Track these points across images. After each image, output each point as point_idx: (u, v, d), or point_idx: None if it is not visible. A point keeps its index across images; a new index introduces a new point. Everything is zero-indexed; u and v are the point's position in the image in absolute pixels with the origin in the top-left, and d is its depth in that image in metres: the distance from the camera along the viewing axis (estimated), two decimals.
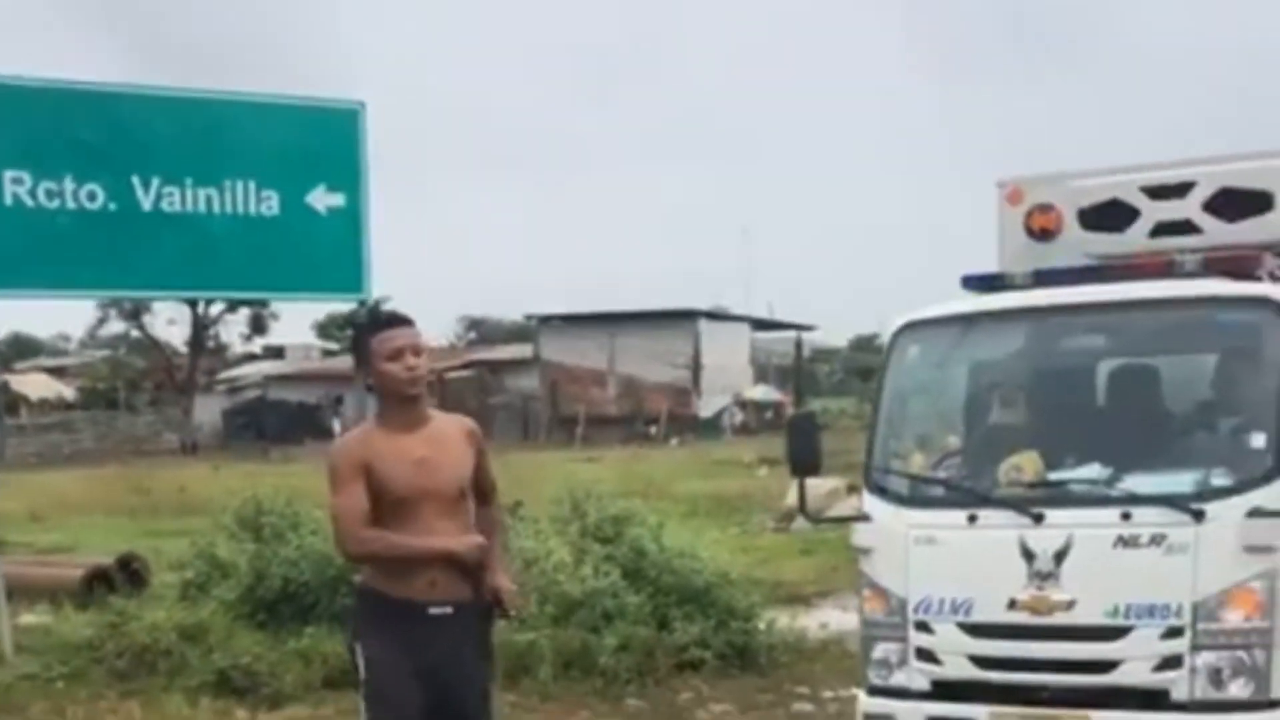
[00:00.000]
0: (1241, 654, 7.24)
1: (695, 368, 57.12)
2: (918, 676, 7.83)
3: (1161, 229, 8.91)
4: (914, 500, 8.05)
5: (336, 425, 55.63)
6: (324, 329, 71.45)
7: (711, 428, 54.82)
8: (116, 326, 73.16)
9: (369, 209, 12.87)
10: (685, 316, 56.91)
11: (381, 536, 5.89)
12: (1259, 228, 8.67)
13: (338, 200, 12.65)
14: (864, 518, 8.09)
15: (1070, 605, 7.45)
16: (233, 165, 12.37)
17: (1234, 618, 7.26)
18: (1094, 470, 7.73)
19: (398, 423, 6.00)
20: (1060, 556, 7.50)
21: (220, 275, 12.96)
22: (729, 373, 57.39)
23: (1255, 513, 7.19)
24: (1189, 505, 7.27)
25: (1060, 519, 7.51)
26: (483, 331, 74.12)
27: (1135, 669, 7.41)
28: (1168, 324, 8.06)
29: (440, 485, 5.96)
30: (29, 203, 11.80)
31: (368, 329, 6.17)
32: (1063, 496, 7.67)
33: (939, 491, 8.09)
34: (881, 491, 8.11)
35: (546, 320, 60.40)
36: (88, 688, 10.69)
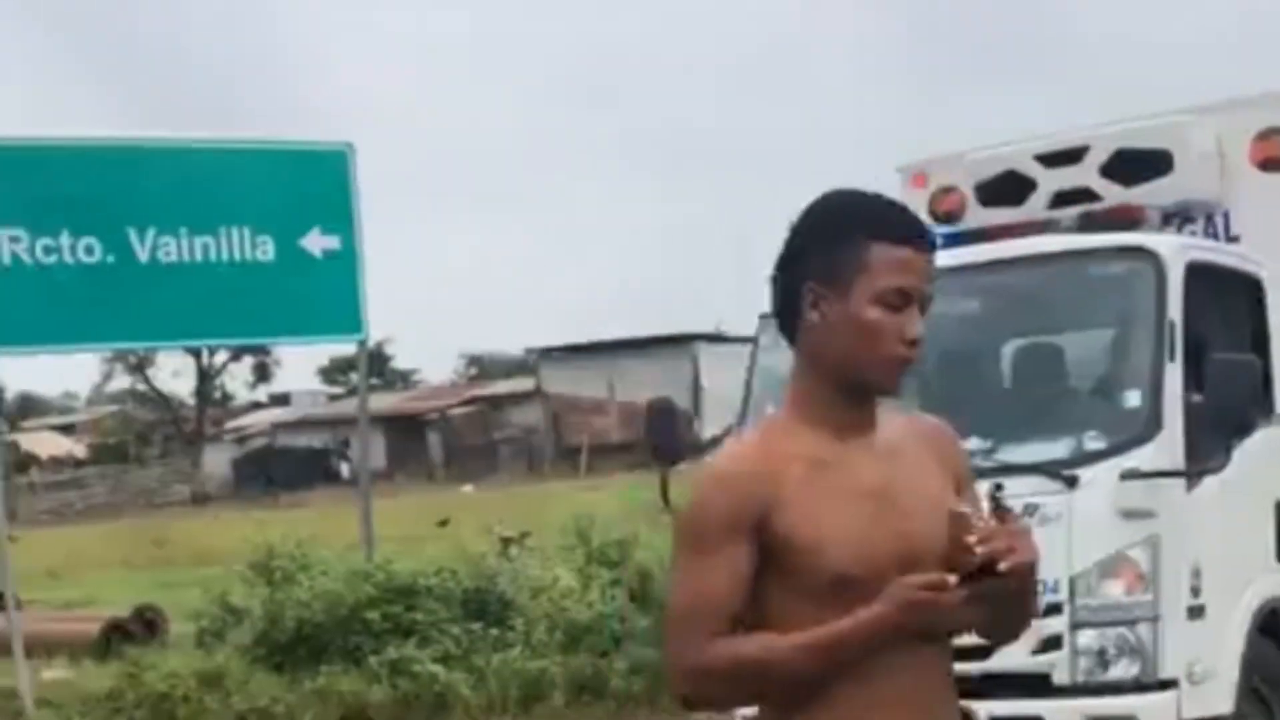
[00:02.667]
0: (1124, 631, 6.71)
1: (695, 392, 57.18)
2: None
3: (1060, 199, 8.41)
4: None
5: (345, 470, 55.77)
6: (328, 374, 71.54)
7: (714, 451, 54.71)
8: (122, 381, 73.28)
9: (363, 249, 12.92)
10: (683, 341, 56.98)
11: (758, 657, 3.02)
12: (1160, 190, 8.15)
13: (332, 242, 12.72)
14: None
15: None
16: (226, 212, 12.42)
17: (1114, 591, 6.74)
18: (970, 441, 7.04)
19: (836, 424, 3.13)
20: None
21: (219, 322, 13.06)
22: (731, 395, 57.30)
23: (1130, 475, 6.70)
24: (1060, 472, 6.79)
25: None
26: (483, 366, 74.18)
27: (1013, 652, 6.56)
28: (1038, 281, 7.59)
29: (916, 549, 3.03)
30: (27, 260, 11.88)
31: (855, 218, 3.11)
32: None
33: None
34: None
35: (547, 352, 60.46)
36: None
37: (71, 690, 12.06)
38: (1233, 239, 8.15)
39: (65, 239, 11.86)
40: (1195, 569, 6.83)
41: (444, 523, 20.79)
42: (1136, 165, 8.18)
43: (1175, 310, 6.93)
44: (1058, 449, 6.99)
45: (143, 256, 12.13)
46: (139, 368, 69.11)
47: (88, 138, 12.93)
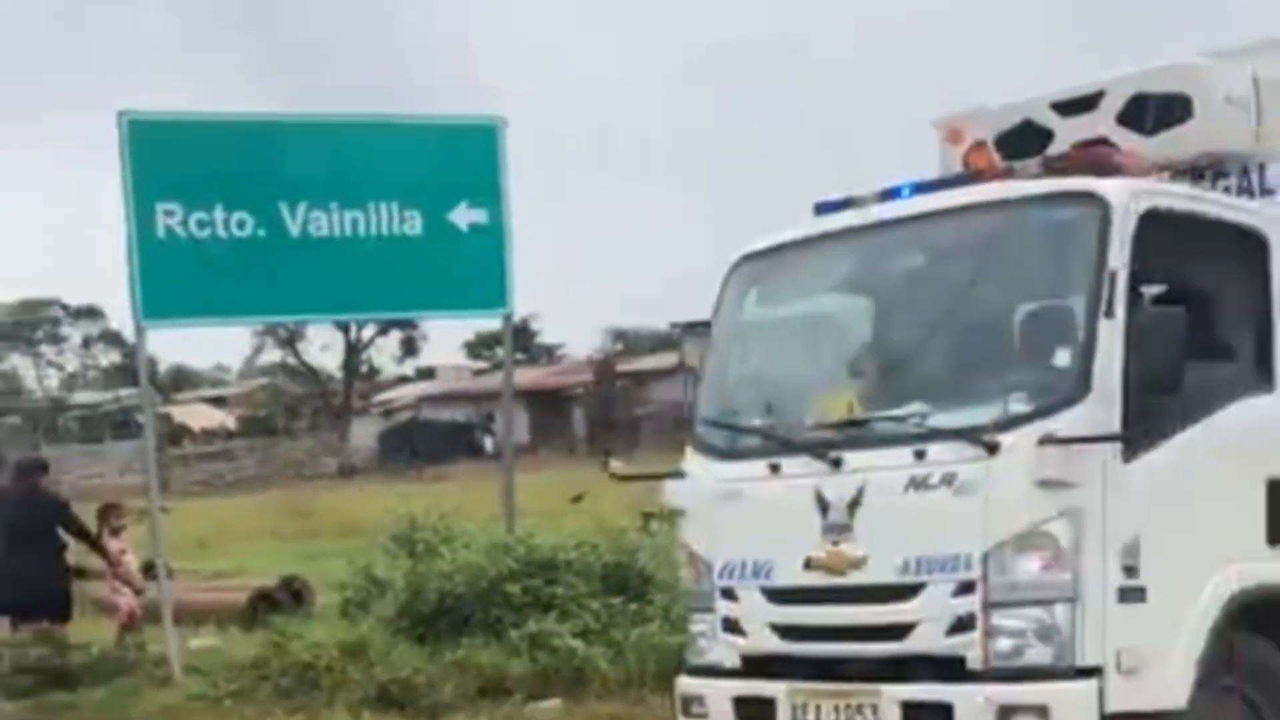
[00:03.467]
0: (1039, 612, 6.13)
1: None
2: (728, 651, 6.97)
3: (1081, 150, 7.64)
4: (726, 452, 7.17)
5: (488, 444, 56.20)
6: (473, 348, 72.10)
7: None
8: (273, 355, 74.52)
9: (511, 224, 12.95)
10: None
11: None
12: (1179, 140, 7.46)
13: (480, 217, 12.79)
14: (677, 474, 7.30)
15: (863, 562, 6.49)
16: (376, 187, 12.55)
17: (1029, 568, 6.16)
18: (898, 405, 6.70)
19: None
20: (854, 506, 6.50)
21: (368, 296, 13.19)
22: None
23: (1047, 440, 6.11)
24: (981, 438, 6.22)
25: (857, 463, 6.53)
26: (628, 341, 74.31)
27: (928, 633, 6.32)
28: (981, 232, 6.89)
29: None
30: (181, 234, 12.10)
31: None
32: (862, 438, 6.65)
33: (752, 441, 7.11)
34: (702, 446, 7.29)
35: (691, 327, 60.32)
36: (254, 705, 10.94)
37: (218, 658, 12.27)
38: (1268, 193, 7.49)
39: (219, 213, 12.06)
40: (1131, 547, 6.20)
41: (578, 498, 20.80)
42: (1156, 112, 7.54)
43: (1118, 260, 6.29)
44: (985, 413, 6.37)
45: (294, 231, 12.29)
46: (289, 341, 70.26)
47: (241, 114, 13.24)
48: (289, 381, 76.38)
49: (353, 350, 69.95)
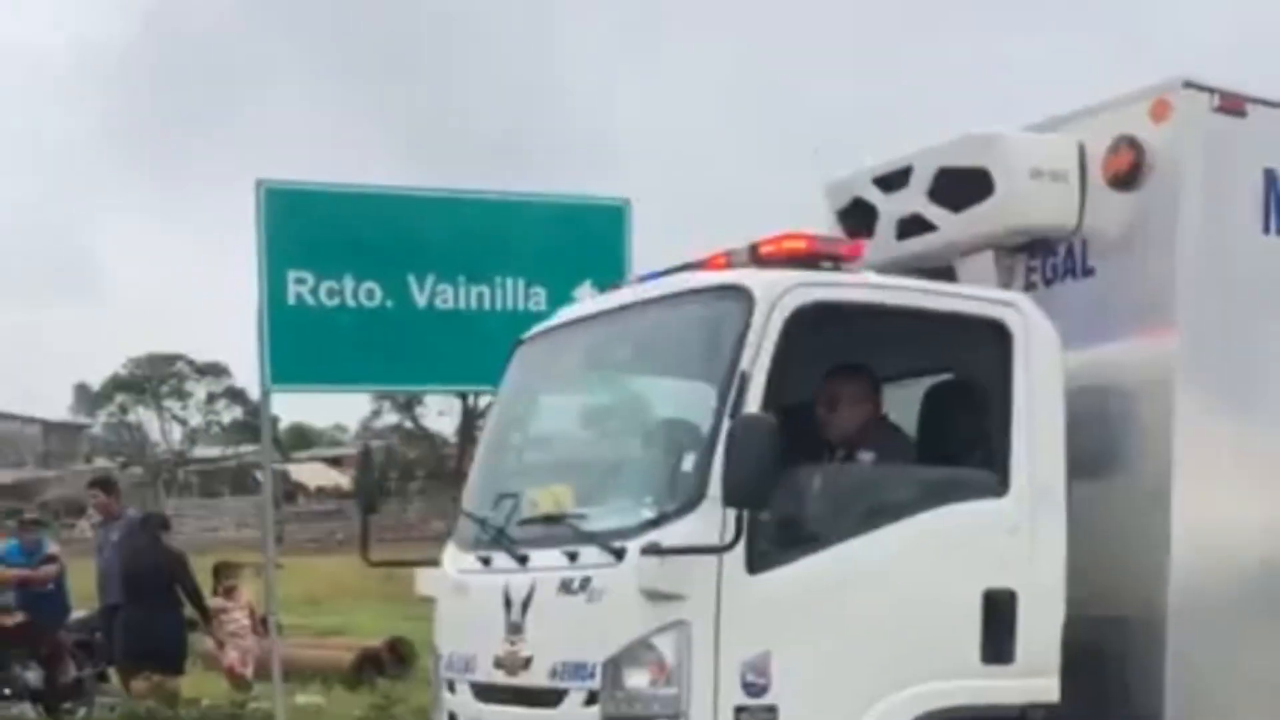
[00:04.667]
0: None
1: None
2: None
3: (904, 228, 7.50)
4: (463, 542, 7.13)
5: None
6: None
7: None
8: (390, 418, 75.32)
9: None
10: None
11: None
12: (985, 216, 7.20)
13: None
14: (430, 562, 7.27)
15: (529, 663, 6.39)
16: (503, 263, 12.69)
17: (638, 682, 5.99)
18: (578, 503, 6.61)
19: None
20: (526, 605, 6.40)
21: (489, 369, 13.26)
22: None
23: (650, 550, 5.93)
24: (611, 543, 6.11)
25: (536, 561, 6.45)
26: None
27: None
28: (648, 328, 6.82)
29: None
30: (311, 302, 12.32)
31: None
32: (541, 537, 6.58)
33: (480, 532, 6.99)
34: (455, 533, 7.29)
35: None
36: None
37: (323, 716, 12.44)
38: (1089, 273, 7.28)
39: (349, 282, 12.24)
40: (756, 664, 5.98)
41: None
42: (959, 187, 7.27)
43: (751, 360, 6.04)
44: (629, 517, 6.25)
45: (420, 302, 12.45)
46: (407, 406, 70.99)
47: (374, 186, 13.41)
48: (404, 444, 77.12)
49: (469, 416, 70.52)
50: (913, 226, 7.46)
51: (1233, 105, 7.10)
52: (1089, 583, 6.63)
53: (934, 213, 7.36)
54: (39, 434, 76.93)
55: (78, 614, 14.91)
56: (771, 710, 6.01)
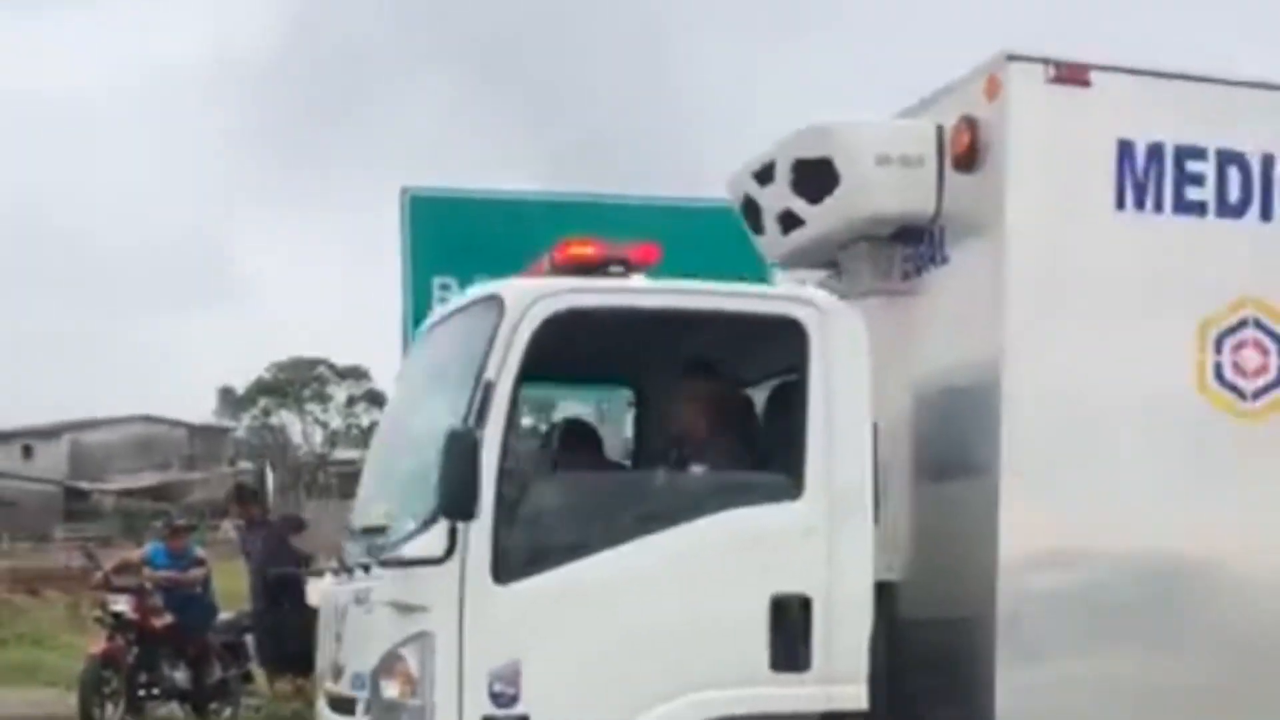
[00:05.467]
0: None
1: None
2: None
3: (784, 223, 7.35)
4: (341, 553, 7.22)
5: None
6: None
7: None
8: (525, 420, 75.68)
9: None
10: None
11: None
12: (839, 206, 7.01)
13: None
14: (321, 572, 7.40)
15: (341, 672, 6.53)
16: None
17: (391, 693, 6.03)
18: (384, 516, 6.67)
19: None
20: (343, 616, 6.56)
21: None
22: None
23: (389, 562, 6.08)
24: (379, 555, 6.23)
25: (358, 573, 6.59)
26: None
27: None
28: (441, 339, 6.97)
29: None
30: None
31: None
32: (358, 549, 6.74)
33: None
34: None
35: None
36: None
37: None
38: (945, 260, 6.98)
39: None
40: (505, 673, 5.95)
41: None
42: (813, 178, 7.08)
43: (496, 369, 6.08)
44: (405, 530, 6.27)
45: None
46: (542, 407, 71.31)
47: (518, 192, 13.48)
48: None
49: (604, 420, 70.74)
50: (789, 221, 7.32)
51: (1072, 75, 6.74)
52: (933, 585, 6.61)
53: (798, 206, 7.21)
54: (184, 437, 78.31)
55: (224, 615, 15.10)
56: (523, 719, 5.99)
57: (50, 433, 69.31)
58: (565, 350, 6.33)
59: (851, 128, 7.05)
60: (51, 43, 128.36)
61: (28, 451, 68.51)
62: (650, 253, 6.68)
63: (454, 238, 12.44)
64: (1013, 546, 6.55)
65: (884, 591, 6.57)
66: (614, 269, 6.52)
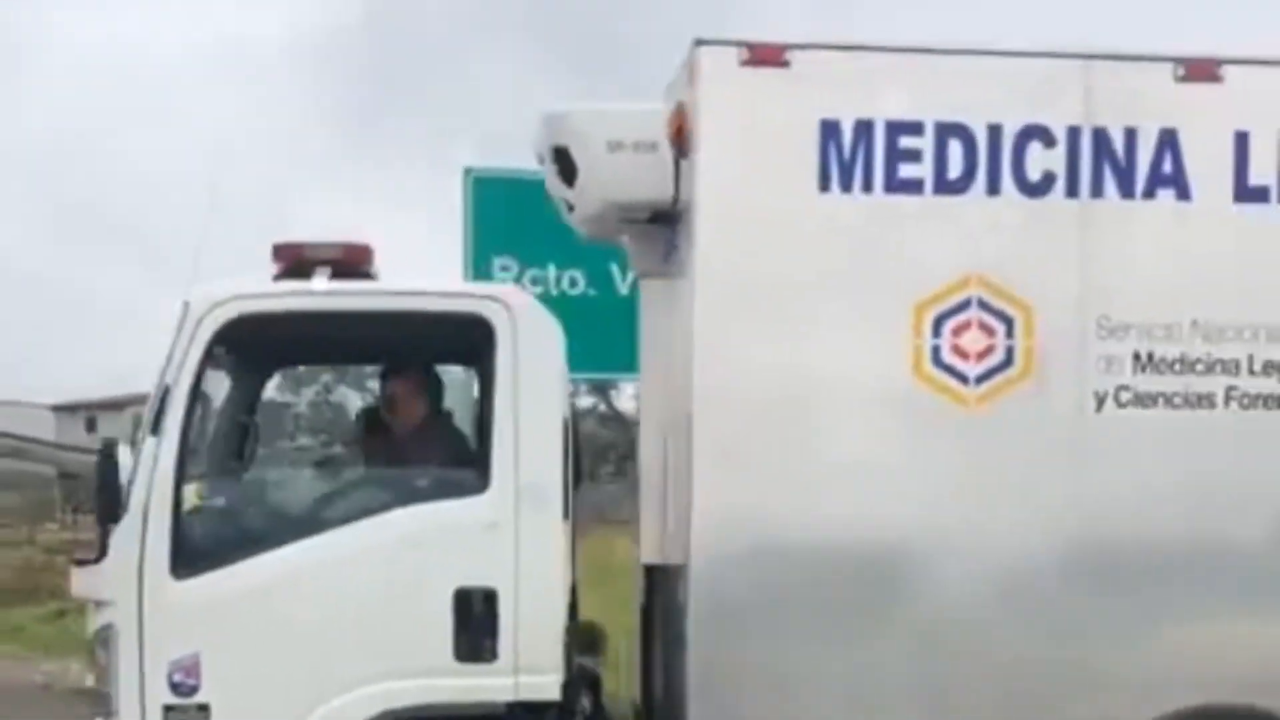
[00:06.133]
0: None
1: None
2: None
3: (565, 206, 7.48)
4: None
5: None
6: None
7: None
8: (584, 400, 75.96)
9: None
10: None
11: None
12: (581, 194, 7.17)
13: None
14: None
15: None
16: None
17: (90, 680, 6.52)
18: None
19: None
20: None
21: None
22: None
23: (78, 560, 6.53)
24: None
25: None
26: None
27: None
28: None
29: None
30: None
31: None
32: None
33: None
34: None
35: None
36: None
37: None
38: (691, 244, 6.72)
39: (552, 270, 12.30)
40: (186, 665, 6.22)
41: None
42: (564, 163, 7.16)
43: (175, 373, 6.28)
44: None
45: (623, 290, 12.49)
46: (601, 389, 71.48)
47: None
48: (599, 427, 77.67)
49: None
50: (567, 205, 7.43)
51: (767, 56, 6.62)
52: (654, 576, 6.83)
53: (563, 191, 7.33)
54: None
55: None
56: (204, 709, 6.25)
57: (114, 405, 69.93)
58: (263, 350, 6.77)
59: (584, 115, 7.15)
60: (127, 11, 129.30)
61: (91, 424, 69.15)
62: (362, 252, 6.88)
63: (515, 219, 12.44)
64: (707, 536, 6.58)
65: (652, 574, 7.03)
66: (320, 270, 6.71)
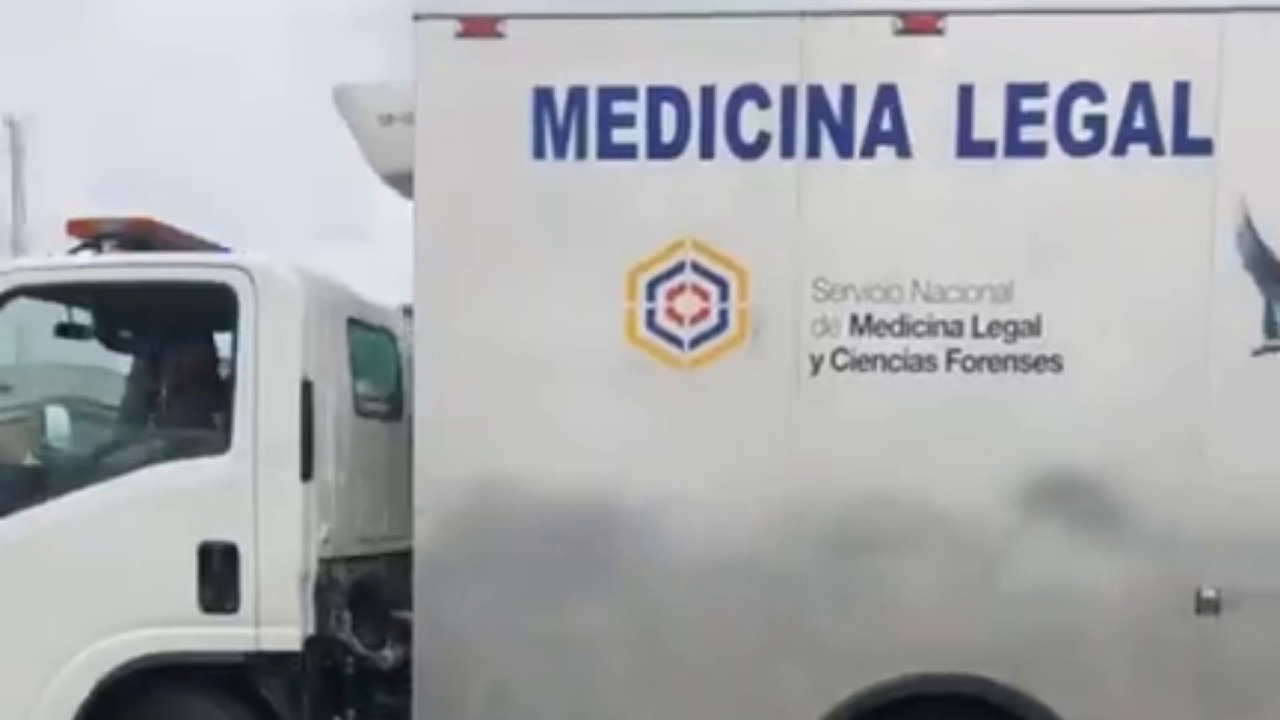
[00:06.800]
0: None
1: None
2: None
3: None
4: None
5: None
6: None
7: None
8: None
9: None
10: None
11: None
12: (371, 165, 7.49)
13: None
14: None
15: None
16: None
17: None
18: None
19: None
20: None
21: None
22: None
23: None
24: None
25: None
26: None
27: None
28: None
29: None
30: None
31: None
32: None
33: None
34: None
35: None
36: None
37: None
38: None
39: None
40: None
41: None
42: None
43: None
44: None
45: None
46: None
47: None
48: None
49: None
50: None
51: (481, 27, 6.68)
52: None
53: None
54: None
55: None
56: None
57: None
58: (43, 318, 7.23)
59: (360, 89, 7.34)
60: None
61: None
62: (146, 226, 7.35)
63: None
64: (426, 497, 6.75)
65: None
66: (105, 244, 7.27)
